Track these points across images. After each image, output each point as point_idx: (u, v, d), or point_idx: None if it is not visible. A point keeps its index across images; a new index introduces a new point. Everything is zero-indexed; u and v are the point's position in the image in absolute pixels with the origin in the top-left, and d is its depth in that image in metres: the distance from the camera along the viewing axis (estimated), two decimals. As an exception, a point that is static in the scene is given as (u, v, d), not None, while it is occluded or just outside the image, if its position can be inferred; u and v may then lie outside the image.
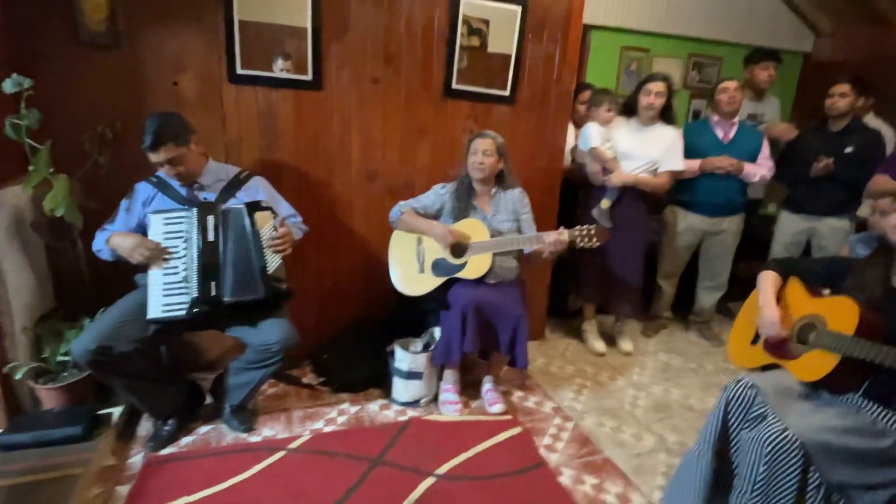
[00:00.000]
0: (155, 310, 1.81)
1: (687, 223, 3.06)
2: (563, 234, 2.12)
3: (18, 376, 1.91)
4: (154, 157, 1.81)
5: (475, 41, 2.51)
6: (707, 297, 3.31)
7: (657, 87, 2.66)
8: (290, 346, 1.90)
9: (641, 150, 2.74)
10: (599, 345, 3.04)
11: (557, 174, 2.86)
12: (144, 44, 2.09)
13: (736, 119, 2.97)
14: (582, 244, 2.12)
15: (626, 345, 3.10)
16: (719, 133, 2.96)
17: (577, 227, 2.14)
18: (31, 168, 1.86)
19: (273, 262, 1.89)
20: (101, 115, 2.06)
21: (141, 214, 1.91)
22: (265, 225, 1.90)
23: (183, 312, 1.81)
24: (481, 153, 2.23)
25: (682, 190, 2.98)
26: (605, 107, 2.78)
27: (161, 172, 1.91)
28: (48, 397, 1.97)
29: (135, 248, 1.80)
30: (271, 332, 1.89)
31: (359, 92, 2.41)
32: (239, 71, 2.23)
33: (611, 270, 2.86)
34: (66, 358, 1.99)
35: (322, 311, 2.63)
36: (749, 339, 1.80)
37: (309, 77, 2.32)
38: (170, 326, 1.87)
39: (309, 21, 2.26)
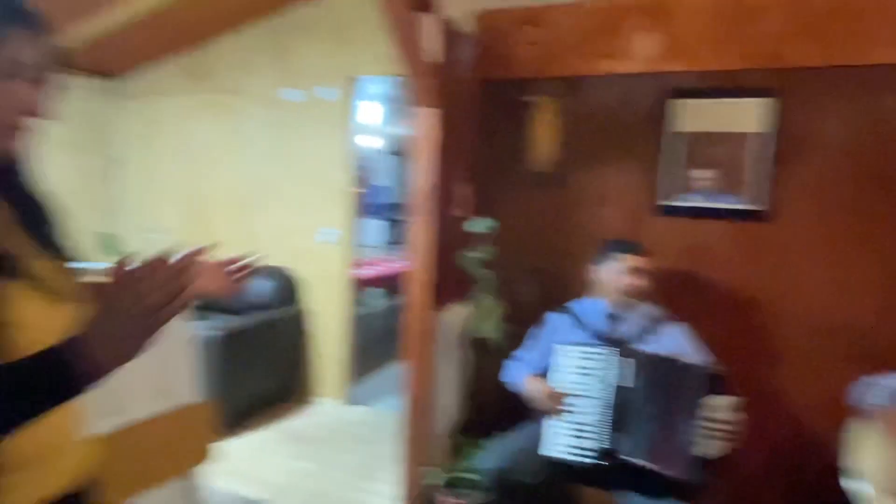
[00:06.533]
0: (553, 447, 1.71)
1: None
2: None
3: (432, 481, 2.00)
4: (626, 261, 1.81)
5: None
6: None
7: None
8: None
9: None
10: None
11: None
12: (581, 180, 2.16)
13: None
14: None
15: None
16: None
17: None
18: (476, 295, 2.09)
19: (706, 445, 1.56)
20: (531, 248, 2.20)
21: (548, 344, 1.88)
22: (718, 402, 1.59)
23: (590, 459, 1.66)
24: None
25: None
26: None
27: (613, 280, 1.84)
28: (446, 510, 2.00)
29: (541, 399, 1.77)
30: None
31: (826, 225, 1.89)
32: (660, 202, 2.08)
33: None
34: (471, 475, 1.97)
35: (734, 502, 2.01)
36: None
37: (756, 206, 1.95)
38: (561, 470, 1.73)
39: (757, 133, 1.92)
